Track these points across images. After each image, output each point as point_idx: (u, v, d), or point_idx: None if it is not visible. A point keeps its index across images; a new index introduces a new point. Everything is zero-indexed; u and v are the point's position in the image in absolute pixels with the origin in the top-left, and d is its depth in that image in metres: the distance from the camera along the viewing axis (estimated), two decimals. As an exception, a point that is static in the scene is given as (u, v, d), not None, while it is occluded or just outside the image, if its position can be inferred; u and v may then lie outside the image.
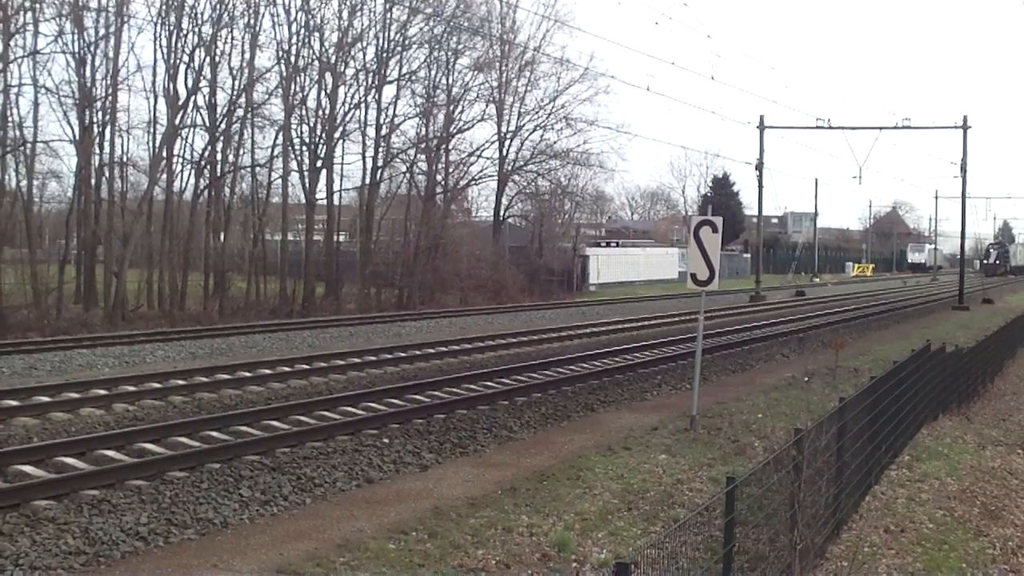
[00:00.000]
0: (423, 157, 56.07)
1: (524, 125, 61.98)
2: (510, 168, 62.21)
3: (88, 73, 41.19)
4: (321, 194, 51.39)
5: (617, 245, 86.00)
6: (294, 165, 50.26)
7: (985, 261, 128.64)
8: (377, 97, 52.41)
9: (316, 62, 49.75)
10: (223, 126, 45.96)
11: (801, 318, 43.35)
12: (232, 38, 46.21)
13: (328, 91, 49.90)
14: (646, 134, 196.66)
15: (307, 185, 50.36)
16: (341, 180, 54.29)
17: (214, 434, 16.16)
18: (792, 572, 9.30)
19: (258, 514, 12.17)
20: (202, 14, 44.24)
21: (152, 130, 44.07)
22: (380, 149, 53.00)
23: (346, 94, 51.11)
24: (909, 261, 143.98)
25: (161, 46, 43.45)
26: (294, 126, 49.30)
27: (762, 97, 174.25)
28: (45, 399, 18.76)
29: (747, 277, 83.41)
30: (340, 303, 48.30)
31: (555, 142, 63.26)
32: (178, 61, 43.69)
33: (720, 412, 19.41)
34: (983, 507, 14.36)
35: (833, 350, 26.29)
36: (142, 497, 12.37)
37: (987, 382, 25.87)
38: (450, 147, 57.84)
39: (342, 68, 50.49)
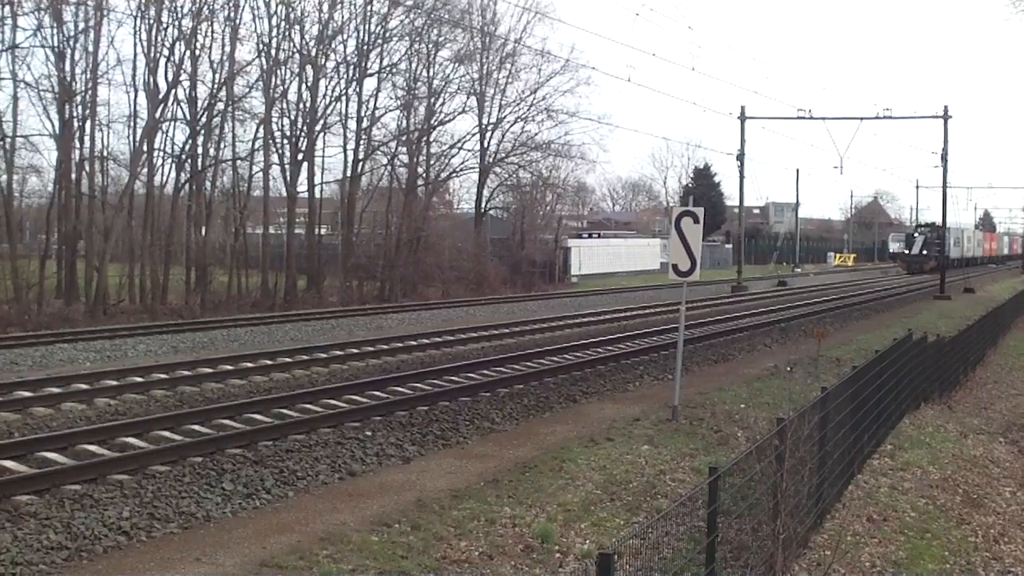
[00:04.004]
0: (404, 149, 55.96)
1: (505, 117, 62.08)
2: (491, 160, 62.23)
3: (68, 67, 40.99)
4: (302, 187, 51.33)
5: (599, 236, 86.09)
6: (275, 158, 50.18)
7: (907, 252, 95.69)
8: (358, 90, 52.32)
9: (297, 55, 49.67)
10: (204, 120, 45.79)
11: (783, 308, 43.45)
12: (212, 31, 46.04)
13: (309, 84, 49.83)
14: (627, 125, 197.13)
15: (288, 178, 50.29)
16: (322, 173, 54.38)
17: (196, 428, 16.12)
18: (775, 562, 9.33)
19: (241, 507, 12.15)
20: (182, 7, 44.04)
21: (132, 124, 43.81)
22: (361, 142, 52.90)
23: (327, 87, 51.05)
24: (891, 251, 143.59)
25: (141, 40, 43.22)
26: (275, 119, 49.24)
27: (743, 88, 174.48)
28: (26, 394, 18.67)
29: (729, 268, 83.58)
30: (322, 296, 48.22)
31: (536, 134, 63.37)
32: (158, 55, 43.49)
33: (702, 402, 19.45)
34: (965, 495, 14.43)
35: (815, 340, 26.39)
36: (124, 491, 12.34)
37: (969, 371, 26.01)
38: (431, 139, 57.82)
39: (323, 61, 50.36)
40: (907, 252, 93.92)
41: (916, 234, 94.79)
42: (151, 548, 10.67)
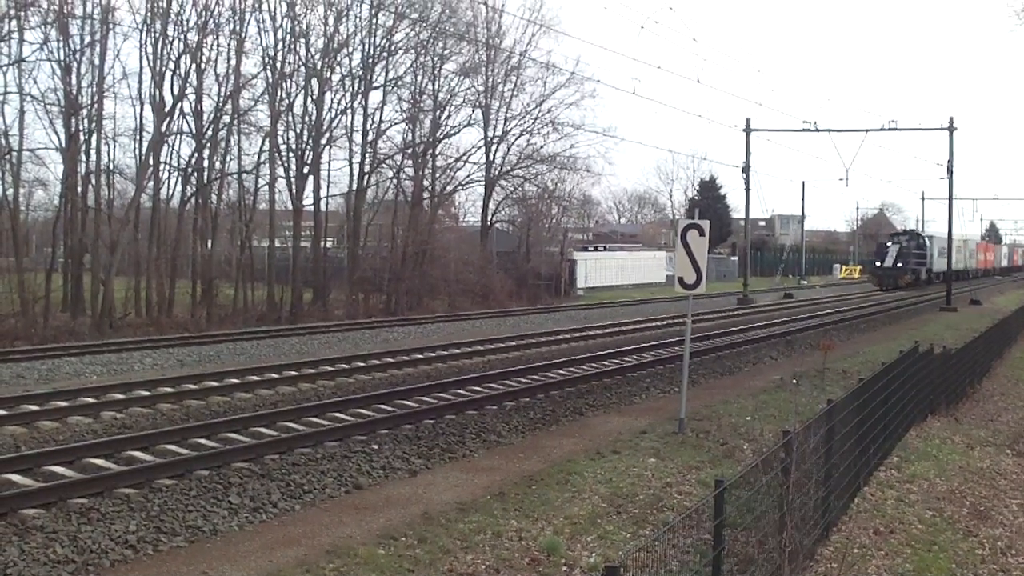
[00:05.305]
0: (410, 162, 56.07)
1: (511, 130, 62.24)
2: (497, 173, 62.28)
3: (74, 81, 41.12)
4: (308, 200, 51.36)
5: (604, 249, 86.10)
6: (281, 171, 50.23)
7: (879, 264, 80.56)
8: (363, 103, 52.43)
9: (302, 68, 49.73)
10: (209, 133, 45.91)
11: (789, 320, 43.41)
12: (218, 45, 46.22)
13: (314, 97, 49.86)
14: (633, 138, 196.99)
15: (294, 191, 50.33)
16: (328, 186, 54.35)
17: (203, 441, 16.13)
18: (781, 574, 9.31)
19: (247, 521, 12.16)
20: (187, 21, 44.24)
21: (138, 137, 44.04)
22: (367, 155, 53.00)
23: (332, 100, 51.12)
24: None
25: (147, 53, 43.46)
26: (280, 132, 49.30)
27: (748, 100, 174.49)
28: (33, 408, 18.70)
29: (735, 280, 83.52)
30: (328, 309, 48.23)
31: (542, 146, 63.52)
32: (164, 68, 43.66)
33: (708, 415, 19.43)
34: (972, 508, 14.39)
35: (821, 352, 26.34)
36: (131, 505, 12.34)
37: (975, 383, 25.93)
38: (437, 152, 57.93)
39: (328, 74, 50.46)
40: (879, 264, 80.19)
41: (890, 243, 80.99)
42: (158, 562, 10.68)
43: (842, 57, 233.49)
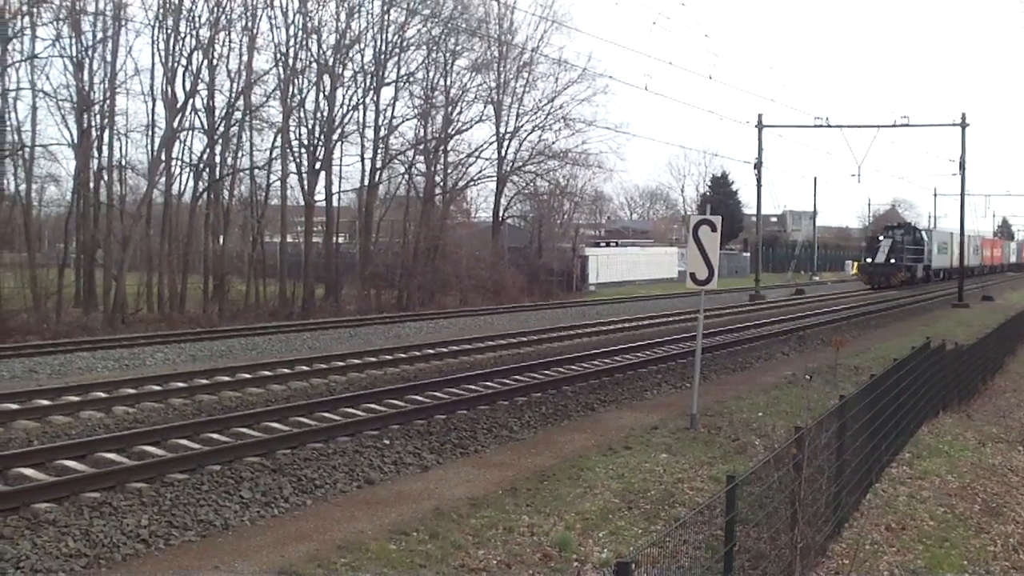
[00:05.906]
0: (422, 158, 56.12)
1: (522, 126, 62.15)
2: (509, 169, 62.24)
3: (86, 77, 41.27)
4: (320, 196, 51.53)
5: (616, 245, 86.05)
6: (293, 167, 50.35)
7: (869, 261, 73.24)
8: (375, 99, 52.50)
9: (314, 64, 49.84)
10: (221, 129, 45.99)
11: (801, 316, 43.29)
12: (230, 41, 46.33)
13: (326, 93, 49.93)
14: (644, 134, 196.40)
15: (306, 187, 50.40)
16: (340, 182, 54.51)
17: (214, 436, 16.15)
18: (793, 570, 9.30)
19: (259, 515, 12.17)
20: (199, 17, 44.37)
21: (150, 133, 44.14)
22: (379, 150, 53.05)
23: (344, 96, 51.21)
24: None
25: (159, 49, 43.56)
26: (292, 128, 49.41)
27: (760, 96, 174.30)
28: (45, 402, 18.74)
29: (746, 276, 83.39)
30: (340, 305, 48.29)
31: (553, 142, 63.43)
32: (176, 64, 43.75)
33: (720, 411, 19.40)
34: (984, 504, 14.36)
35: (833, 348, 26.28)
36: (143, 499, 12.36)
37: (987, 379, 25.87)
38: (448, 148, 57.95)
39: (340, 70, 50.54)
40: (869, 260, 73.00)
41: (882, 237, 73.63)
42: (169, 556, 10.70)
43: (854, 53, 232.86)
